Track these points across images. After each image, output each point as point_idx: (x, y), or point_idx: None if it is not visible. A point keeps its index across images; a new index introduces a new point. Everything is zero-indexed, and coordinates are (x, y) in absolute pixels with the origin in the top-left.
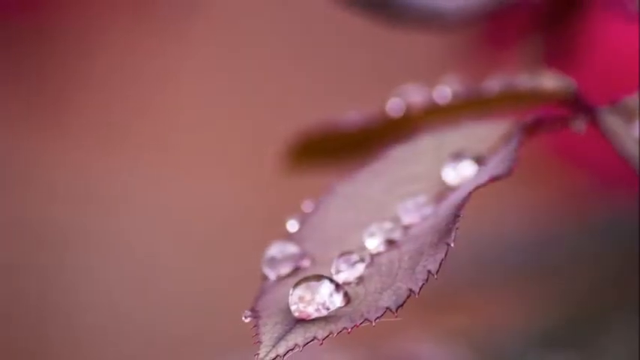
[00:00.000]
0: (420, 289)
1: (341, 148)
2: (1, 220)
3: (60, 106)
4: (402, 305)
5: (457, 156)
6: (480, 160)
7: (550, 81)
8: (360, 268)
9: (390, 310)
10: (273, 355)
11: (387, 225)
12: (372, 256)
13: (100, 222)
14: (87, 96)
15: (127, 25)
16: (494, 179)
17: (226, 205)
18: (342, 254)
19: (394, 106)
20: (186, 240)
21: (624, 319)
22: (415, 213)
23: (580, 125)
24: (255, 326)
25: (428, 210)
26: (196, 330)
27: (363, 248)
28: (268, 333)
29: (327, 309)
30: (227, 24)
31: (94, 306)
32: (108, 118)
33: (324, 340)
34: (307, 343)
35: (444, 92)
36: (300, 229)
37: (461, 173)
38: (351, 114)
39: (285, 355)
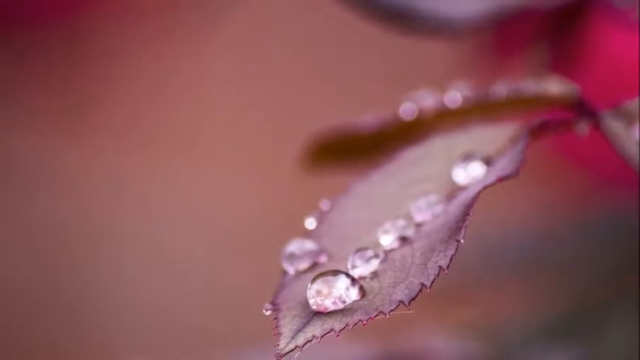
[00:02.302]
0: (432, 283)
1: (357, 150)
2: (33, 222)
3: (89, 111)
4: (414, 299)
5: (467, 157)
6: (488, 161)
7: (555, 86)
8: (374, 264)
9: (403, 304)
10: (292, 346)
11: (400, 223)
12: (386, 252)
13: (129, 222)
14: (115, 100)
15: (154, 32)
16: (501, 179)
17: (248, 205)
18: (358, 250)
19: (407, 110)
20: (210, 238)
21: (624, 312)
22: (427, 211)
23: (583, 128)
24: (275, 319)
25: (439, 208)
26: (221, 323)
27: (378, 245)
28: (287, 325)
29: (344, 302)
30: (249, 31)
31: (125, 303)
32: (135, 122)
33: (340, 332)
34: (324, 335)
35: (455, 97)
36: (317, 227)
37: (470, 174)
38: (367, 117)
39: (303, 346)
